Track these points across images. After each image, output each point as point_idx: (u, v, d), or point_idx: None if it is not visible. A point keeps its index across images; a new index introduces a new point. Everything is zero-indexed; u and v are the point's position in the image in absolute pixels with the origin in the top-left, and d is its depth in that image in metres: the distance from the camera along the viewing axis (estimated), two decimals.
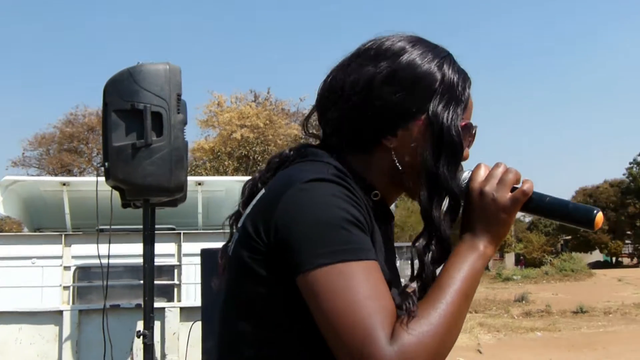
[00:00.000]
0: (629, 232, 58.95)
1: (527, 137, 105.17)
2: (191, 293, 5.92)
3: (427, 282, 1.15)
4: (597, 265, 53.22)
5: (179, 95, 3.74)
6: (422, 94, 1.17)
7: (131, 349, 5.15)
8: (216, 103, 36.11)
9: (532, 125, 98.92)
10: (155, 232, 4.28)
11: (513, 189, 1.16)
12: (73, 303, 6.38)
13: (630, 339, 13.86)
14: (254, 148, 27.72)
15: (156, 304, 4.38)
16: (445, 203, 1.17)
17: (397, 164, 1.19)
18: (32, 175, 33.01)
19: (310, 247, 1.01)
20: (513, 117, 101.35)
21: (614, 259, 59.64)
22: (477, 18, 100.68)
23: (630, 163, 59.41)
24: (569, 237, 59.72)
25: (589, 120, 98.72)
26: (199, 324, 4.53)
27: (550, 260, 43.48)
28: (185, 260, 6.00)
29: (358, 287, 0.99)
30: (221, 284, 1.23)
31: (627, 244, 60.87)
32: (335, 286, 0.99)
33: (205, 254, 4.37)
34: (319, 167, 1.13)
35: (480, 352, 13.16)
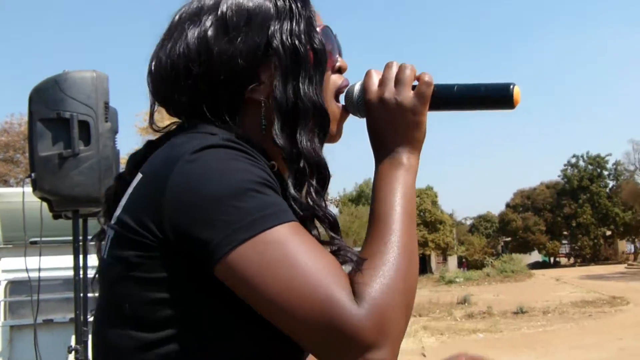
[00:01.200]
0: (565, 233, 60.79)
1: (464, 140, 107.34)
2: None
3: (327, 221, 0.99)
4: (536, 265, 54.77)
5: (107, 103, 3.66)
6: (261, 27, 1.01)
7: None
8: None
9: (467, 128, 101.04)
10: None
11: (414, 88, 1.03)
12: (4, 319, 6.18)
13: (568, 338, 14.29)
14: None
15: None
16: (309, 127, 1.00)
17: (263, 117, 1.02)
18: None
19: (222, 226, 0.82)
20: (448, 121, 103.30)
21: (552, 259, 61.37)
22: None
23: (564, 165, 61.38)
24: (509, 238, 61.22)
25: (524, 122, 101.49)
26: None
27: (492, 262, 44.47)
28: None
29: (295, 253, 0.83)
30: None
31: (564, 244, 62.76)
32: (268, 260, 0.82)
33: None
34: (202, 136, 0.94)
35: (424, 356, 13.30)
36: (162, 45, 1.05)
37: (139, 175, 0.96)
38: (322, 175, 0.99)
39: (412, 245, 0.94)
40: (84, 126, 3.56)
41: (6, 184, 33.04)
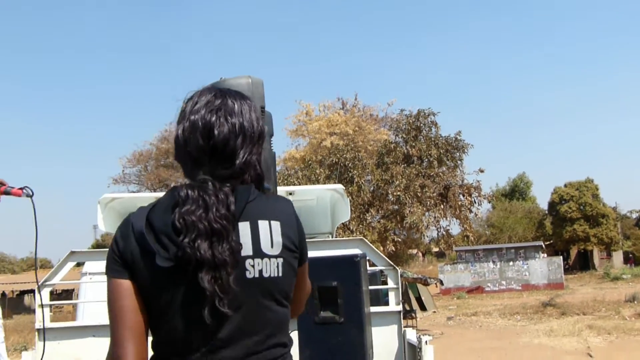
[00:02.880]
0: None
1: (627, 127, 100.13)
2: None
3: None
4: None
5: (263, 107, 3.74)
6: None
7: None
8: (304, 112, 36.58)
9: (629, 113, 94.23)
10: None
11: None
12: None
13: None
14: (344, 155, 27.79)
15: None
16: None
17: None
18: (133, 192, 34.47)
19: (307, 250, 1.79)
20: (608, 109, 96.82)
21: None
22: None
23: None
24: None
25: None
26: (295, 334, 4.53)
27: None
28: None
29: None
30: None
31: None
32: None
33: None
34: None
35: (591, 356, 12.58)
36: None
37: (266, 222, 1.65)
38: None
39: None
40: None
41: (167, 187, 35.35)
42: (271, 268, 1.57)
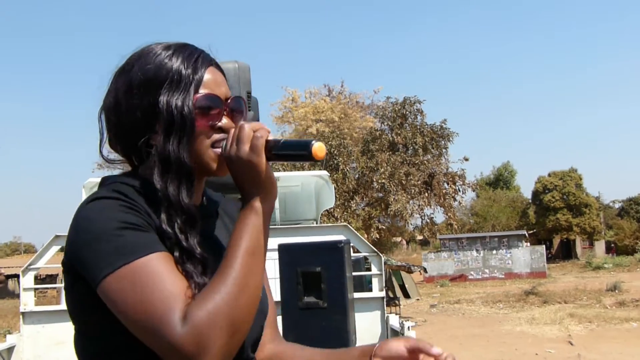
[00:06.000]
0: None
1: (610, 118, 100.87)
2: (270, 288, 5.95)
3: (193, 253, 1.21)
4: None
5: (249, 92, 3.76)
6: (155, 91, 1.26)
7: None
8: (290, 99, 36.54)
9: (613, 104, 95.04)
10: None
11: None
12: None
13: None
14: (329, 142, 27.79)
15: None
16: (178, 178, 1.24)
17: (156, 158, 1.25)
18: None
19: (95, 263, 1.14)
20: (593, 98, 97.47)
21: None
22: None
23: None
24: None
25: None
26: (279, 318, 4.57)
27: None
28: None
29: (144, 282, 1.11)
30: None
31: None
32: (123, 288, 1.11)
33: (283, 249, 4.40)
34: (99, 190, 1.26)
35: (572, 344, 12.74)
36: (106, 92, 1.35)
37: None
38: (188, 216, 1.23)
39: (248, 278, 1.16)
40: None
41: None
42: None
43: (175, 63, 1.28)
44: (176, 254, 1.19)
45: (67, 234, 1.21)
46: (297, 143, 1.27)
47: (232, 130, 1.26)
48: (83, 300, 1.21)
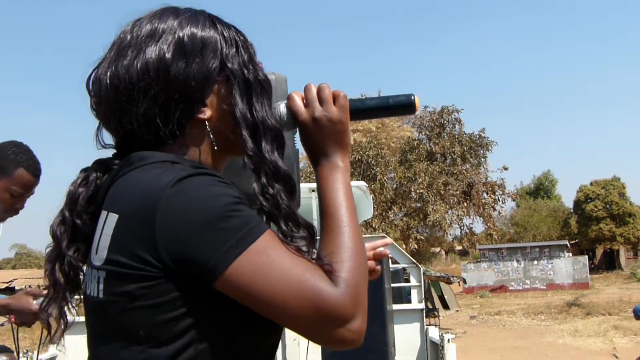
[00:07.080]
0: None
1: None
2: None
3: (290, 217, 1.10)
4: None
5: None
6: (212, 54, 1.15)
7: None
8: None
9: None
10: None
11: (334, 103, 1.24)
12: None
13: None
14: (367, 152, 27.80)
15: None
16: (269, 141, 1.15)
17: (210, 134, 1.15)
18: None
19: (215, 247, 0.97)
20: (631, 106, 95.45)
21: None
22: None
23: None
24: None
25: None
26: None
27: None
28: None
29: (277, 257, 0.99)
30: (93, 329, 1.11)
31: None
32: (259, 267, 0.98)
33: None
34: (168, 167, 1.05)
35: (617, 357, 12.45)
36: (116, 62, 1.13)
37: (113, 216, 1.05)
38: (289, 183, 1.12)
39: (359, 233, 1.14)
40: None
41: None
42: (92, 285, 1.08)
43: (223, 29, 1.19)
44: (282, 225, 1.07)
45: (146, 234, 0.98)
46: (395, 98, 1.31)
47: (304, 93, 1.23)
48: (190, 300, 1.00)
